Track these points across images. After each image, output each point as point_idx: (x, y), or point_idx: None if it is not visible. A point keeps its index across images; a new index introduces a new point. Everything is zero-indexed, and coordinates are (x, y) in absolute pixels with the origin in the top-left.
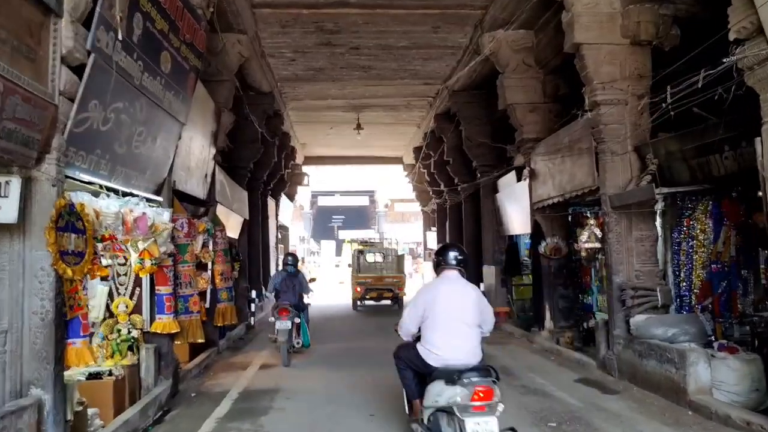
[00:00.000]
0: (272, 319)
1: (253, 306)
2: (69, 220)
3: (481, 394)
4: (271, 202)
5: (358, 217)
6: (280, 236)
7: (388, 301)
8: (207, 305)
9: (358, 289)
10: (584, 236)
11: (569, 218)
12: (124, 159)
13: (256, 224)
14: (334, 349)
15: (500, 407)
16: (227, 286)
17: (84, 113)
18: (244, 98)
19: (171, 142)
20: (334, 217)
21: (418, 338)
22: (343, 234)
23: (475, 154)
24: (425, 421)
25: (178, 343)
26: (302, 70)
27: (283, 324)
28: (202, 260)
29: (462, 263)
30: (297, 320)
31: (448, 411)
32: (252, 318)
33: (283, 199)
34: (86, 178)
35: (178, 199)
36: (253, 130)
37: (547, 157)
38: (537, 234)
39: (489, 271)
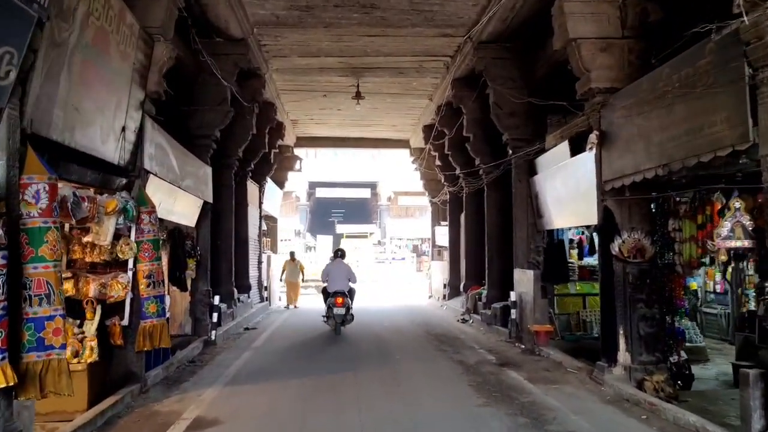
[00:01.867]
0: (327, 306)
1: (215, 316)
2: None
3: (339, 300)
4: (252, 186)
5: (359, 211)
6: (266, 228)
7: None
8: (125, 322)
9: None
10: (724, 229)
11: (652, 205)
12: None
13: (226, 211)
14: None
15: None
16: (156, 294)
17: None
18: (204, 49)
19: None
20: (333, 210)
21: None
22: (342, 228)
23: (507, 125)
24: (326, 309)
25: (23, 400)
26: (284, 8)
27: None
28: (120, 257)
29: (341, 255)
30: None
31: (330, 306)
32: (214, 332)
33: (270, 184)
34: None
35: (56, 156)
36: (220, 89)
37: (633, 111)
38: (607, 227)
39: (524, 277)
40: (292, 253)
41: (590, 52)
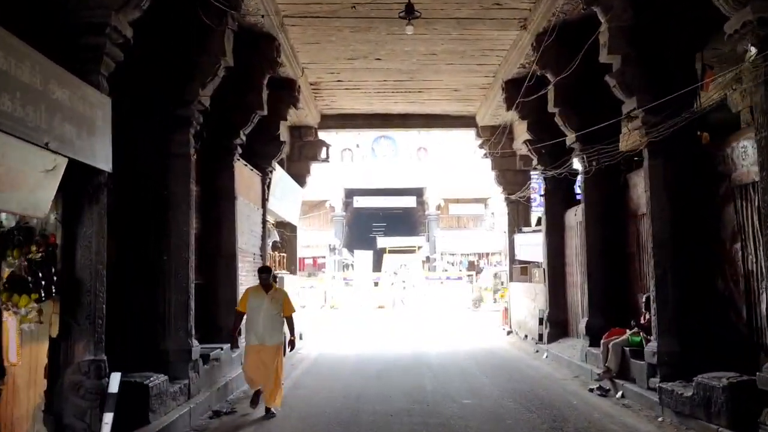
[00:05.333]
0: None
1: (108, 416)
2: None
3: None
4: (247, 172)
5: (403, 222)
6: (278, 238)
7: None
8: None
9: None
10: None
11: None
12: None
13: (181, 203)
14: None
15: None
16: None
17: None
18: None
19: None
20: (374, 223)
21: None
22: (384, 242)
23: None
24: None
25: None
26: None
27: None
28: None
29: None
30: None
31: None
32: None
33: (281, 175)
34: None
35: None
36: None
37: None
38: None
39: None
40: (264, 272)
41: None
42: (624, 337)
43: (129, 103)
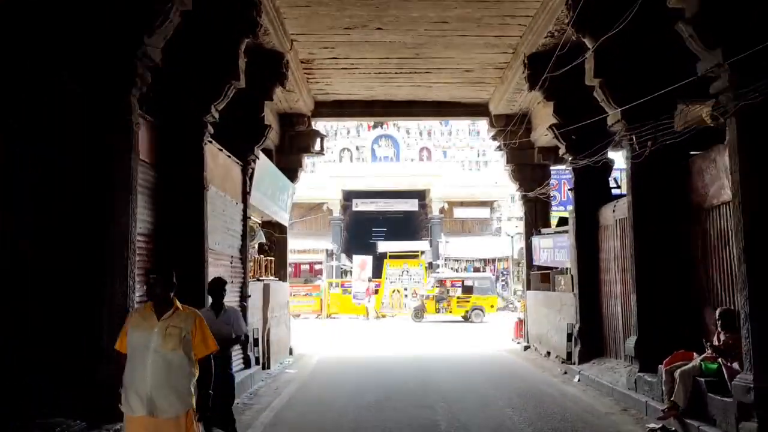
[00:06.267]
0: None
1: None
2: None
3: None
4: (225, 160)
5: (405, 226)
6: (267, 241)
7: None
8: None
9: None
10: None
11: None
12: None
13: (121, 184)
14: None
15: None
16: None
17: None
18: None
19: None
20: (374, 228)
21: None
22: (385, 246)
23: None
24: None
25: None
26: None
27: None
28: None
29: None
30: None
31: None
32: None
33: (266, 164)
34: None
35: None
36: None
37: None
38: None
39: None
40: (158, 278)
41: None
42: (693, 363)
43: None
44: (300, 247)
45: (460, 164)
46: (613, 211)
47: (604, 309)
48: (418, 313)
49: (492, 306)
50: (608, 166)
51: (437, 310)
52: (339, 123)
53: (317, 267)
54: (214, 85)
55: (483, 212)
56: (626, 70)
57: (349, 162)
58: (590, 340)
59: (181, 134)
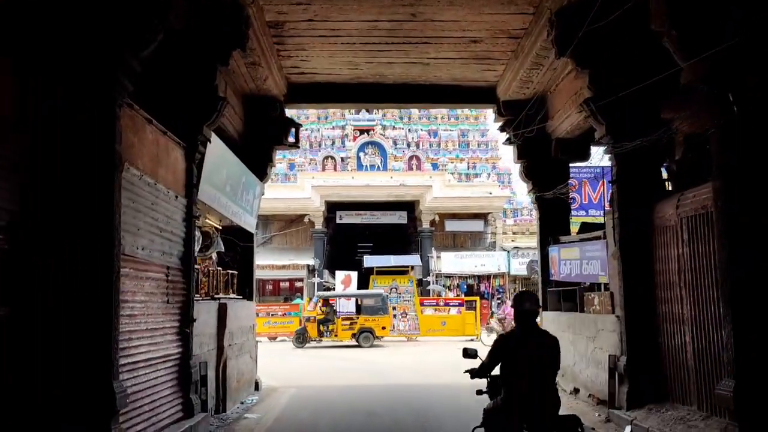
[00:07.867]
0: None
1: None
2: None
3: None
4: (159, 138)
5: (393, 240)
6: (222, 249)
7: None
8: None
9: None
10: None
11: None
12: None
13: None
14: None
15: None
16: None
17: None
18: None
19: None
20: (359, 243)
21: None
22: (372, 261)
23: None
24: None
25: None
26: None
27: None
28: None
29: None
30: None
31: None
32: None
33: (228, 157)
34: None
35: None
36: None
37: None
38: None
39: None
40: None
41: None
42: None
43: None
44: (279, 263)
45: (450, 176)
46: (677, 207)
47: (663, 338)
48: (299, 338)
49: (384, 328)
50: (660, 152)
51: (321, 334)
52: (322, 131)
53: (298, 284)
54: (132, 22)
55: (476, 225)
56: (703, 11)
57: (332, 171)
58: (644, 378)
59: (78, 90)
